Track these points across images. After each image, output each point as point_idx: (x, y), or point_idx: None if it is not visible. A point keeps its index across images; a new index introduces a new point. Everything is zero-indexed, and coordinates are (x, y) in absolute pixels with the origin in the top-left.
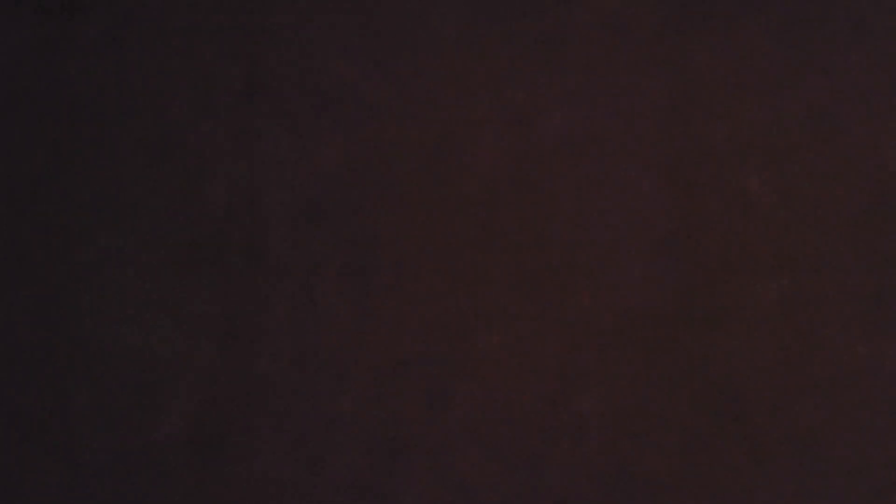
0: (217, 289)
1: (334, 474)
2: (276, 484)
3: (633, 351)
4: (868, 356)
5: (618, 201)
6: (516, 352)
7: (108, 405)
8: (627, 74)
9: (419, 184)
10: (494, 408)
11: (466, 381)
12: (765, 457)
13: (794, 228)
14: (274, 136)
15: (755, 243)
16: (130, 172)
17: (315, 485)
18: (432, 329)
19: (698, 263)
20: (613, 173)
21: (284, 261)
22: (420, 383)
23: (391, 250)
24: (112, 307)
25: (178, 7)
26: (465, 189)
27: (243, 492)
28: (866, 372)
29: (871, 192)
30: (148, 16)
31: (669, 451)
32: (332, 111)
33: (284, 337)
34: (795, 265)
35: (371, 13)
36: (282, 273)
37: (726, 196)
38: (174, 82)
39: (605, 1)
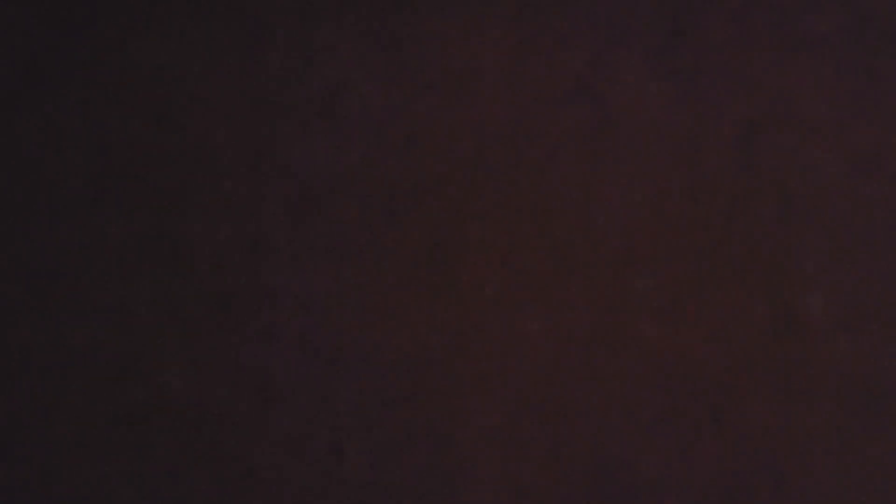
0: (216, 284)
1: (348, 468)
2: (276, 479)
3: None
4: (864, 358)
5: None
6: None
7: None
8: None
9: (424, 185)
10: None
11: (474, 377)
12: (763, 458)
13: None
14: (277, 133)
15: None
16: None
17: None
18: (434, 326)
19: (701, 263)
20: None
21: (288, 252)
22: (434, 378)
23: (394, 249)
24: (110, 303)
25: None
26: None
27: (242, 486)
28: (865, 374)
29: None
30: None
31: (670, 450)
32: (338, 111)
33: (290, 329)
34: (796, 267)
35: (375, 12)
36: (285, 263)
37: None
38: (177, 78)
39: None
